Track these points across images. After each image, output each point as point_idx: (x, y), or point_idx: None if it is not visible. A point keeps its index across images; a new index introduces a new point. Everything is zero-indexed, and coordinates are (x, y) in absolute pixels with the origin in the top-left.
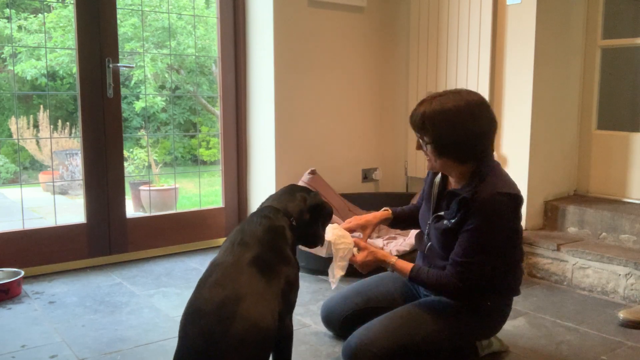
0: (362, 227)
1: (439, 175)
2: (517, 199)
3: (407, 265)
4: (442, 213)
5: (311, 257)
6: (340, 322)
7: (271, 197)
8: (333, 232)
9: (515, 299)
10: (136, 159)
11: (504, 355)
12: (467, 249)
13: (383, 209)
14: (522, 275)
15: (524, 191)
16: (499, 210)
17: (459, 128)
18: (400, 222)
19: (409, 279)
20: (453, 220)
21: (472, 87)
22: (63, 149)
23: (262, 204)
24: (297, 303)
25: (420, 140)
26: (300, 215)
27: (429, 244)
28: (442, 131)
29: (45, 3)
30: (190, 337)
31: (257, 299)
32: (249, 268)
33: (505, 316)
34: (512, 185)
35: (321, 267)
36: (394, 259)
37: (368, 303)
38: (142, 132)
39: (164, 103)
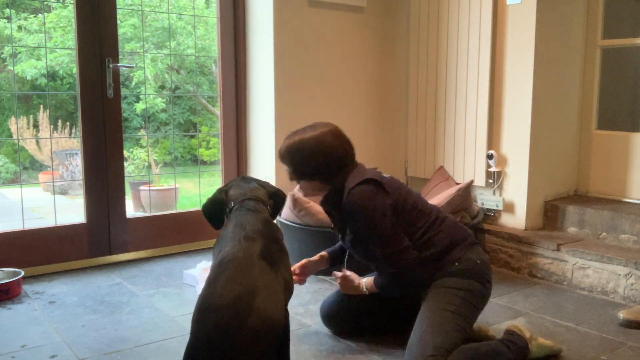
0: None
1: (330, 206)
2: (368, 180)
3: (371, 283)
4: (340, 234)
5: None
6: (341, 319)
7: (233, 189)
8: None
9: (515, 299)
10: (136, 159)
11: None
12: (373, 242)
13: (319, 254)
14: (457, 224)
15: (524, 191)
16: (358, 200)
17: (314, 155)
18: (337, 257)
19: (380, 290)
20: (348, 230)
21: (472, 87)
22: (63, 149)
23: (230, 195)
24: (297, 303)
25: (286, 170)
26: (269, 202)
27: (356, 261)
28: (297, 159)
29: (45, 3)
30: (205, 331)
31: (269, 292)
32: (259, 261)
33: (487, 265)
34: (363, 175)
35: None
36: (363, 287)
37: (369, 299)
38: (142, 132)
39: (164, 104)
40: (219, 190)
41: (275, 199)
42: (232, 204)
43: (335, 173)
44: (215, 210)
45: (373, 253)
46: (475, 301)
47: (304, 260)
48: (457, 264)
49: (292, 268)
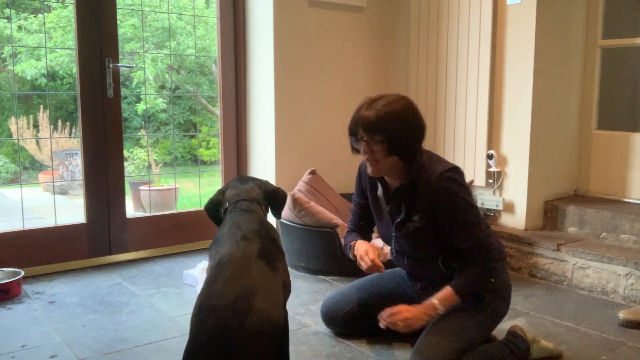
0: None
1: (379, 188)
2: (456, 169)
3: (448, 294)
4: (399, 219)
5: (311, 257)
6: (342, 319)
7: (230, 190)
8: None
9: (515, 299)
10: (136, 159)
11: None
12: (463, 231)
13: (362, 242)
14: (497, 237)
15: (524, 191)
16: (454, 186)
17: (411, 124)
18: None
19: (463, 299)
20: (417, 216)
21: (472, 87)
22: (63, 149)
23: (226, 195)
24: (297, 303)
25: (366, 143)
26: (265, 203)
27: (405, 258)
28: (396, 128)
29: (45, 3)
30: (204, 332)
31: (268, 292)
32: (257, 261)
33: (509, 286)
34: (445, 161)
35: (321, 267)
36: (438, 306)
37: (370, 299)
38: (142, 132)
39: (164, 105)
40: (218, 191)
41: (274, 197)
42: (227, 205)
43: (418, 150)
44: (214, 211)
45: (429, 249)
46: (495, 321)
47: (373, 251)
48: (493, 280)
49: (372, 260)
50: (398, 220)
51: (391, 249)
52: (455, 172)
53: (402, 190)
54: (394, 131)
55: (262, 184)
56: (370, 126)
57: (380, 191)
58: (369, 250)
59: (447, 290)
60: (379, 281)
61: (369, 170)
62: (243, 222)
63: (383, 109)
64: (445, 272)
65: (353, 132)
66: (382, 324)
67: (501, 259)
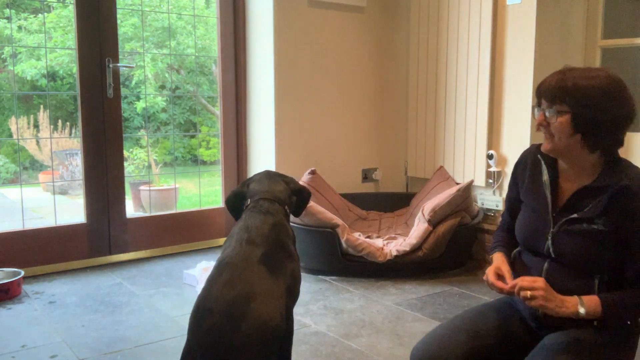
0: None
1: (544, 173)
2: None
3: (594, 301)
4: (576, 215)
5: (311, 257)
6: None
7: (255, 183)
8: None
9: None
10: (136, 159)
11: None
12: None
13: (499, 255)
14: None
15: None
16: None
17: (609, 103)
18: (509, 248)
19: (604, 317)
20: (602, 219)
21: (472, 87)
22: (63, 149)
23: (250, 189)
24: (297, 303)
25: (548, 112)
26: (290, 202)
27: (547, 263)
28: (589, 101)
29: (45, 3)
30: (200, 335)
31: (267, 298)
32: (258, 266)
33: (638, 336)
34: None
35: (321, 267)
36: (580, 306)
37: (475, 341)
38: (142, 132)
39: (164, 103)
40: (242, 183)
41: (299, 196)
42: (249, 202)
43: (616, 139)
44: (237, 204)
45: (596, 260)
46: None
47: (494, 272)
48: (629, 322)
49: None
50: (572, 217)
51: (523, 249)
52: None
53: (594, 191)
54: (583, 102)
55: (290, 182)
56: (552, 92)
57: (546, 177)
58: (490, 274)
59: (594, 298)
60: (478, 317)
61: (543, 145)
62: (254, 224)
63: (574, 79)
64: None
65: (538, 104)
66: (516, 291)
67: None
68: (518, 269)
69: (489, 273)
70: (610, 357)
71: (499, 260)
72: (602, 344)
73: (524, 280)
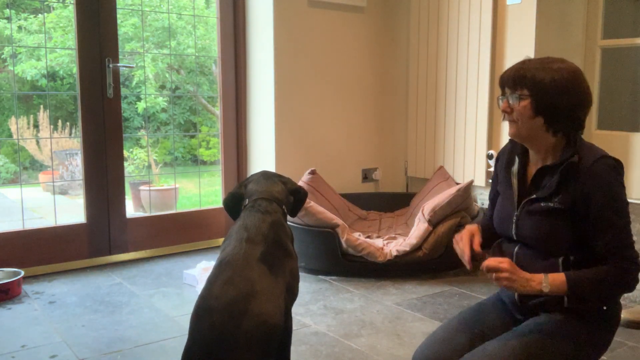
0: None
1: (516, 164)
2: (620, 163)
3: (559, 279)
4: (534, 196)
5: (311, 257)
6: None
7: (252, 184)
8: None
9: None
10: (136, 159)
11: None
12: (609, 230)
13: (467, 230)
14: None
15: None
16: (613, 175)
17: (568, 87)
18: (487, 238)
19: (570, 293)
20: (558, 197)
21: (472, 87)
22: (63, 149)
23: (247, 189)
24: (297, 303)
25: (511, 98)
26: (287, 201)
27: (516, 248)
28: (545, 85)
29: (45, 3)
30: (201, 333)
31: (267, 296)
32: (258, 265)
33: (618, 319)
34: (602, 150)
35: (321, 267)
36: (545, 282)
37: (474, 341)
38: (142, 132)
39: (165, 103)
40: (239, 184)
41: (296, 196)
42: (247, 202)
43: (575, 121)
44: (235, 205)
45: (555, 239)
46: (592, 346)
47: (467, 236)
48: (613, 296)
49: (462, 249)
50: (531, 197)
51: (500, 240)
52: (620, 166)
53: (550, 170)
54: (540, 86)
55: (287, 182)
56: (510, 79)
57: (516, 167)
58: (464, 235)
59: (559, 275)
60: (478, 316)
61: (509, 130)
62: (252, 224)
63: (532, 70)
64: None
65: (502, 93)
66: (483, 268)
67: (635, 279)
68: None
69: (464, 234)
70: (588, 336)
71: (474, 229)
72: (568, 329)
73: (490, 261)
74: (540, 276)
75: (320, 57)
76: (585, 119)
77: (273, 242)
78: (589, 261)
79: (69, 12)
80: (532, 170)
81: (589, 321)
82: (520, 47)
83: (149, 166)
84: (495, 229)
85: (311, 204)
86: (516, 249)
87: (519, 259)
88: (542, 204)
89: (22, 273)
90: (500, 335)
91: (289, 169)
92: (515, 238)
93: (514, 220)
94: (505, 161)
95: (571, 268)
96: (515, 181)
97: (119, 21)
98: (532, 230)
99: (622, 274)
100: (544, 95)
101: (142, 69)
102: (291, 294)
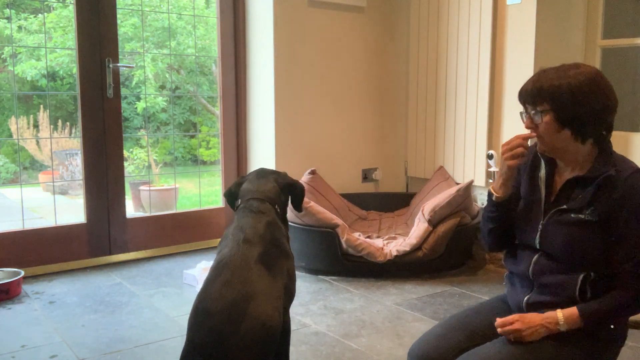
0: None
1: (542, 170)
2: None
3: (575, 314)
4: (565, 206)
5: (311, 257)
6: None
7: (246, 183)
8: None
9: None
10: (136, 159)
11: None
12: (636, 248)
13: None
14: None
15: None
16: None
17: (589, 93)
18: (507, 211)
19: (585, 326)
20: (590, 209)
21: (472, 87)
22: (63, 149)
23: (241, 189)
24: (297, 303)
25: (532, 114)
26: (279, 199)
27: (535, 256)
28: (566, 98)
29: (45, 3)
30: (199, 336)
31: (265, 297)
32: (256, 266)
33: (623, 340)
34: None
35: (321, 267)
36: (561, 321)
37: (473, 339)
38: (142, 132)
39: (165, 103)
40: (236, 183)
41: (292, 191)
42: (239, 202)
43: (602, 130)
44: (231, 202)
45: (582, 253)
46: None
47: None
48: (612, 325)
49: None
50: (561, 208)
51: (519, 249)
52: None
53: (583, 181)
54: (559, 98)
55: (280, 178)
56: (529, 94)
57: (543, 172)
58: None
59: (573, 311)
60: (476, 315)
61: (538, 146)
62: (248, 224)
63: (548, 80)
64: (575, 294)
65: (524, 109)
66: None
67: None
68: (508, 265)
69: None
70: (590, 351)
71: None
72: (572, 336)
73: (498, 322)
74: (553, 316)
75: (320, 57)
76: (613, 120)
77: (270, 243)
78: (608, 280)
79: (69, 12)
80: (560, 177)
81: (596, 336)
82: (520, 47)
83: (149, 166)
84: (515, 231)
85: (311, 203)
86: (535, 257)
87: (536, 269)
88: (572, 215)
89: (22, 273)
90: (500, 337)
91: (289, 169)
92: (538, 247)
93: (539, 229)
94: (530, 165)
95: (588, 287)
96: (543, 187)
97: (119, 21)
98: (559, 241)
99: (636, 304)
100: (565, 106)
101: (142, 69)
102: (289, 294)
